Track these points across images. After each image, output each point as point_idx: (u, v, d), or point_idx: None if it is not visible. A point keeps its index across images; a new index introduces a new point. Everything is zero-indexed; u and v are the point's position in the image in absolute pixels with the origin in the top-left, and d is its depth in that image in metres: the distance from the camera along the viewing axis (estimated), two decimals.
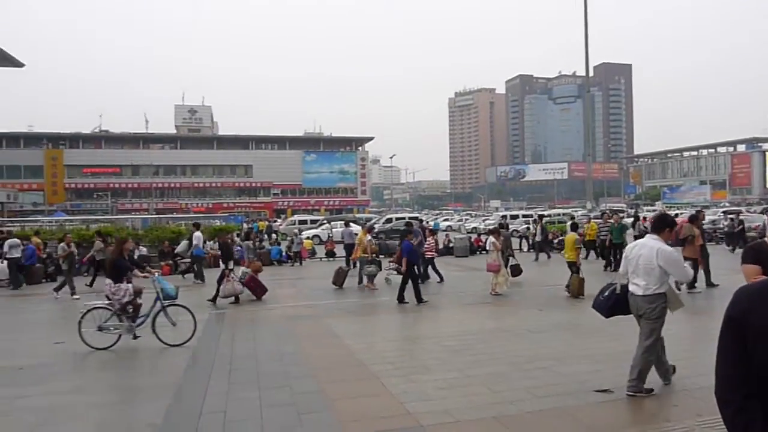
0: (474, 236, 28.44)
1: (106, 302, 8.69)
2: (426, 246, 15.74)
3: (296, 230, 39.87)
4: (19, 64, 77.34)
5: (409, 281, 11.98)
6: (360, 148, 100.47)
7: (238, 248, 24.20)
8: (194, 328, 8.56)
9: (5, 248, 16.99)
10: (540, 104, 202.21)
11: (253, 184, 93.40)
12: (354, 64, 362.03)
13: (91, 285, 16.33)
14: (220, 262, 13.87)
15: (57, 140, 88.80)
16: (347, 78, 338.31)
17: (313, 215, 63.35)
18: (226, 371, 7.03)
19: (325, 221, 44.08)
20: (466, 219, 56.87)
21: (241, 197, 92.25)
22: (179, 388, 6.36)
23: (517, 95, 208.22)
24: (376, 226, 40.96)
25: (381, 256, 15.85)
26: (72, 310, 13.22)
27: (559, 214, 39.66)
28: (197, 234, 17.94)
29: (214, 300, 12.70)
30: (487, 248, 15.07)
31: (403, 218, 38.66)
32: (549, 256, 21.57)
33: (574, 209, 54.11)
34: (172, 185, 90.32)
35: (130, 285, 8.68)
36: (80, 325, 8.39)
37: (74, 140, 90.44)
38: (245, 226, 36.95)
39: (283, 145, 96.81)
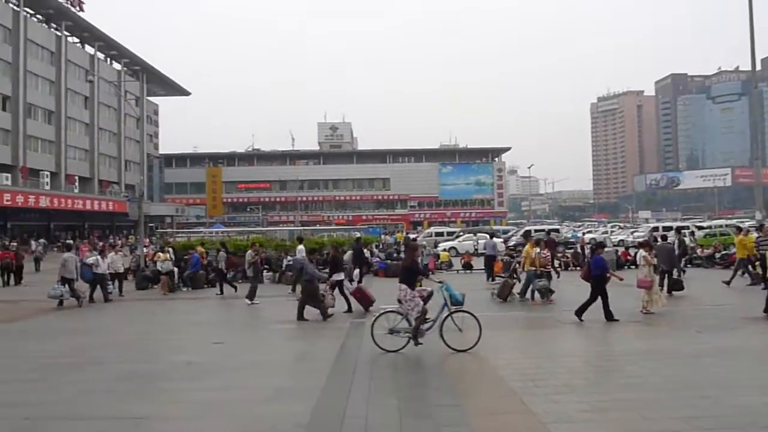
0: (621, 249, 26.58)
1: (397, 306, 9.02)
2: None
3: (433, 242, 40.24)
4: (186, 93, 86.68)
5: (598, 298, 11.08)
6: (496, 158, 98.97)
7: (377, 259, 25.01)
8: (479, 334, 8.55)
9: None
10: (696, 105, 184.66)
11: (391, 197, 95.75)
12: (489, 72, 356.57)
13: (229, 292, 17.46)
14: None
15: (216, 159, 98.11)
16: (482, 88, 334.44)
17: (449, 227, 63.46)
18: (367, 379, 7.20)
19: (461, 233, 43.91)
20: (612, 231, 53.44)
21: (380, 209, 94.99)
22: (323, 391, 6.62)
23: (668, 96, 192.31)
24: (513, 238, 40.01)
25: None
26: (233, 313, 14.40)
27: (721, 226, 35.81)
28: (300, 247, 18.74)
29: (349, 309, 13.06)
30: (637, 263, 13.97)
31: (543, 230, 37.37)
32: (681, 272, 18.34)
33: (739, 220, 48.58)
34: (316, 198, 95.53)
35: (420, 302, 8.74)
36: (373, 327, 8.75)
37: (231, 159, 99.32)
38: (384, 237, 37.99)
39: (420, 158, 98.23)
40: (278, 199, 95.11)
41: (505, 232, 45.77)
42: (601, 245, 12.16)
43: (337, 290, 13.40)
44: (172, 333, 11.77)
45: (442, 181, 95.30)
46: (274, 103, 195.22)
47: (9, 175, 47.08)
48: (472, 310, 9.11)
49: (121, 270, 18.28)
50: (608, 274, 11.46)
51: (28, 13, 52.29)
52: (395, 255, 26.85)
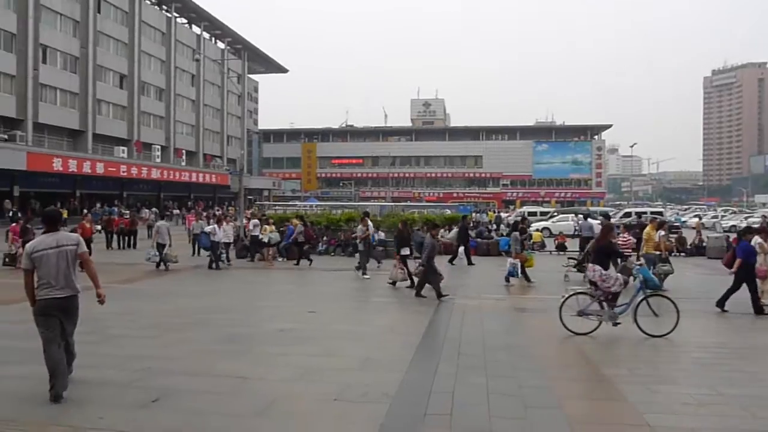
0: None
1: (588, 288, 9.04)
2: (622, 242, 14.19)
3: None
4: (284, 70, 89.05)
5: (741, 287, 10.53)
6: (596, 136, 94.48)
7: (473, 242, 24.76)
8: (677, 319, 8.30)
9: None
10: None
11: (483, 175, 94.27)
12: (585, 44, 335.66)
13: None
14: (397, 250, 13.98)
15: (311, 135, 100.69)
16: (580, 61, 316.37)
17: (542, 207, 61.66)
18: (455, 355, 7.23)
19: (555, 213, 42.57)
20: (723, 216, 49.70)
21: (471, 188, 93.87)
22: (411, 364, 6.73)
23: None
24: (612, 220, 38.30)
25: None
26: (328, 284, 14.87)
27: None
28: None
29: (412, 284, 13.12)
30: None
31: (644, 213, 35.44)
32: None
33: None
34: (407, 175, 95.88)
35: (619, 275, 8.62)
36: (561, 309, 8.56)
37: (325, 135, 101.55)
38: (475, 215, 37.53)
39: (514, 136, 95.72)
40: (370, 175, 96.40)
41: (604, 214, 43.80)
42: (748, 230, 11.30)
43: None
44: (271, 300, 12.35)
45: (537, 160, 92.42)
46: (368, 80, 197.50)
47: (125, 148, 50.91)
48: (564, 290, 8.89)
49: (231, 240, 19.45)
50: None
51: None
52: (486, 233, 26.55)
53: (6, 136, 38.49)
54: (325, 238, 22.92)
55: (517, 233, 15.25)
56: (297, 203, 54.93)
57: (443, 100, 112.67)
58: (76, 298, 5.59)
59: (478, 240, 23.85)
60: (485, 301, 11.82)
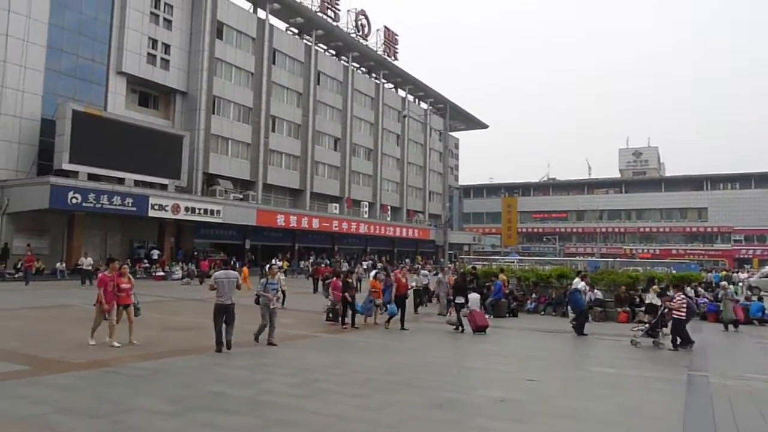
0: None
1: None
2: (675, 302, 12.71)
3: None
4: (484, 126, 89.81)
5: None
6: None
7: (704, 300, 21.16)
8: None
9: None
10: None
11: (708, 229, 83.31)
12: None
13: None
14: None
15: (512, 189, 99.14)
16: None
17: None
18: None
19: None
20: None
21: (693, 243, 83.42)
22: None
23: None
24: None
25: None
26: (544, 347, 13.34)
27: None
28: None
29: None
30: None
31: None
32: None
33: None
34: (616, 230, 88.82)
35: None
36: None
37: (526, 189, 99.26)
38: (706, 274, 32.58)
39: (747, 184, 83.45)
40: (575, 230, 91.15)
41: None
42: None
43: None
44: (482, 362, 11.27)
45: None
46: (570, 130, 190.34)
47: (337, 205, 54.82)
48: None
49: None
50: None
51: (354, 66, 60.87)
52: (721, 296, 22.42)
53: (241, 196, 43.84)
54: (534, 296, 21.31)
55: None
56: (498, 258, 53.46)
57: (657, 148, 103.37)
58: None
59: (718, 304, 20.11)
60: (754, 383, 9.33)
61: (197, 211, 36.95)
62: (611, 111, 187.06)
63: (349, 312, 15.20)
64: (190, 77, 41.86)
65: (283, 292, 13.96)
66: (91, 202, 30.75)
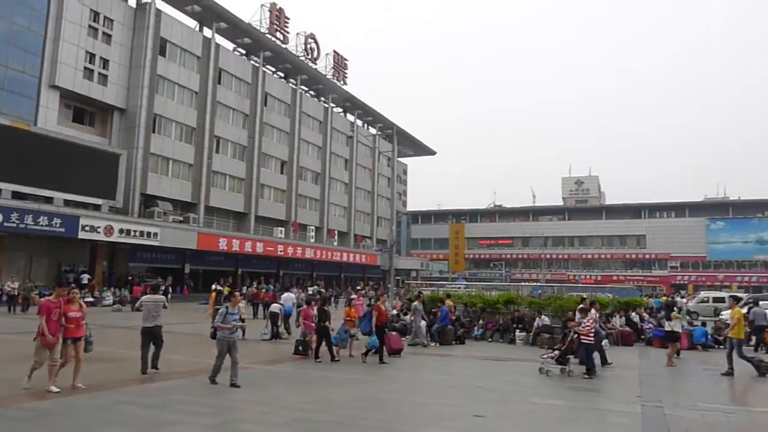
0: None
1: None
2: (583, 327, 12.65)
3: (711, 309, 34.03)
4: (432, 152, 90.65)
5: None
6: None
7: (648, 326, 21.21)
8: None
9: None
10: None
11: (647, 256, 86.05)
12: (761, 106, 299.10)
13: None
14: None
15: (459, 216, 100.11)
16: (754, 124, 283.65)
17: (721, 292, 53.59)
18: None
19: (747, 301, 36.18)
20: None
21: (633, 270, 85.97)
22: None
23: None
24: None
25: None
26: (490, 377, 12.61)
27: None
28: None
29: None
30: None
31: None
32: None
33: None
34: (560, 256, 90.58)
35: None
36: None
37: (473, 215, 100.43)
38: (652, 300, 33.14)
39: (682, 213, 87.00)
40: (521, 256, 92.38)
41: None
42: None
43: None
44: (428, 395, 10.48)
45: (712, 239, 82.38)
46: (515, 159, 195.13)
47: (283, 229, 53.47)
48: None
49: None
50: None
51: (303, 89, 60.26)
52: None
53: (182, 218, 42.02)
54: (481, 322, 20.81)
55: None
56: (445, 284, 53.25)
57: (597, 177, 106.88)
58: None
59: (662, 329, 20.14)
60: (710, 414, 8.92)
61: (133, 234, 35.02)
62: (556, 142, 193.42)
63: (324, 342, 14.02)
64: (130, 94, 40.16)
65: (243, 320, 12.65)
66: (14, 222, 28.61)
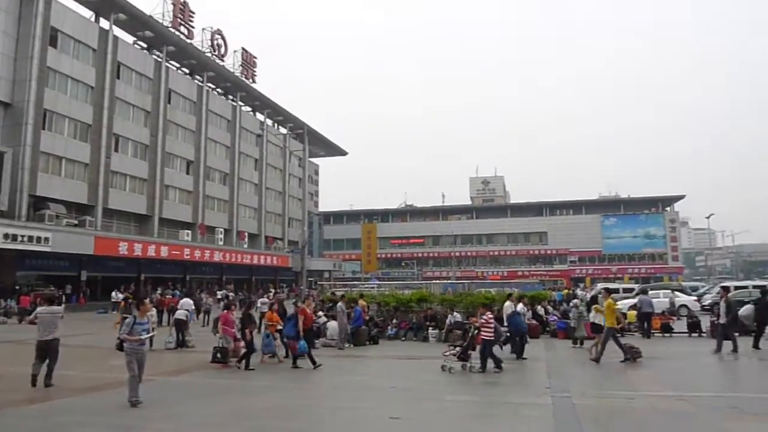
0: None
1: None
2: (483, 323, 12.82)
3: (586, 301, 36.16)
4: (343, 153, 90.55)
5: None
6: (668, 208, 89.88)
7: (553, 318, 22.18)
8: None
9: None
10: None
11: (548, 252, 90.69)
12: (647, 115, 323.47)
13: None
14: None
15: (371, 216, 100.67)
16: (643, 131, 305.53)
17: (615, 284, 57.45)
18: None
19: (639, 291, 39.01)
20: None
21: (536, 265, 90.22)
22: None
23: None
24: (708, 295, 35.01)
25: None
26: (404, 377, 12.54)
27: None
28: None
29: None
30: None
31: (745, 287, 31.73)
32: (735, 348, 14.54)
33: None
34: (469, 254, 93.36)
35: None
36: None
37: (385, 216, 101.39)
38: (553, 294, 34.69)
39: (579, 210, 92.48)
40: (432, 255, 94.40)
41: (694, 288, 40.37)
42: None
43: None
44: (343, 399, 10.28)
45: (606, 234, 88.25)
46: (425, 159, 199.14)
47: (189, 231, 51.29)
48: (706, 383, 6.51)
49: None
50: None
51: (210, 87, 58.12)
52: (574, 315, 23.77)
53: (76, 222, 39.19)
54: (394, 321, 20.88)
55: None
56: (358, 284, 53.28)
57: (502, 177, 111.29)
58: None
59: (566, 321, 21.14)
60: (614, 401, 9.36)
61: (20, 239, 32.17)
62: (465, 142, 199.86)
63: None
64: (16, 87, 36.90)
65: (154, 329, 11.70)
66: None
